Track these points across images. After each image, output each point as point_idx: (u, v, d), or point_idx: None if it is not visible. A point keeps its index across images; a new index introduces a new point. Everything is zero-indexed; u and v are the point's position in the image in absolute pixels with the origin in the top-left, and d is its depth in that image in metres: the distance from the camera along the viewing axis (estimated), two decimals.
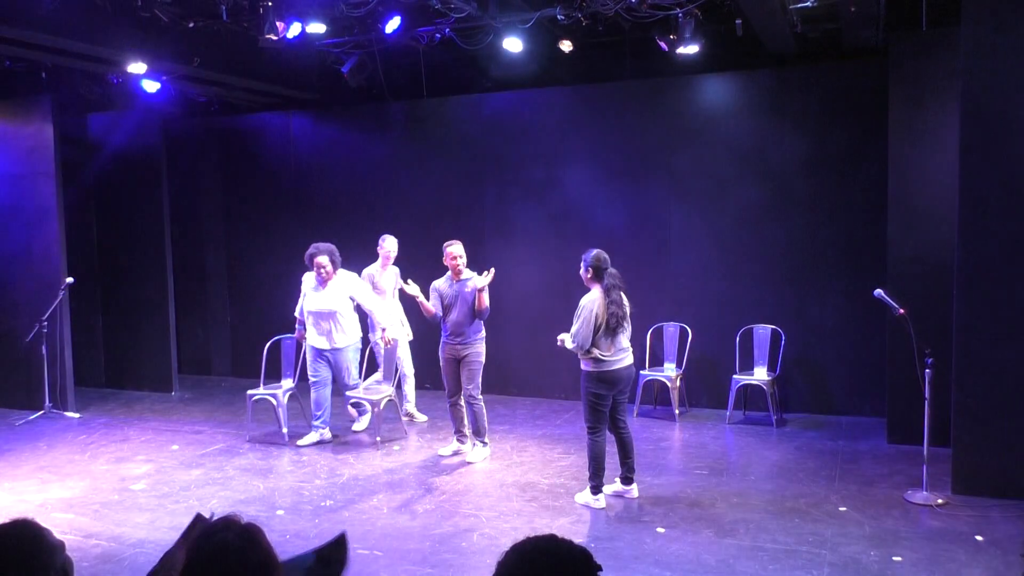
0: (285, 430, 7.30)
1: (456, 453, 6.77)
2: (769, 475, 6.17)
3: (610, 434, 5.65)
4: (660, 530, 5.11)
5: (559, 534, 1.69)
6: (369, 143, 9.43)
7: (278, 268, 9.87)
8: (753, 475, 6.18)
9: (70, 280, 8.56)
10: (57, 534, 1.99)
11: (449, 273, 6.60)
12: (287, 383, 7.51)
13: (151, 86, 8.24)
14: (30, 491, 6.09)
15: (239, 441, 7.33)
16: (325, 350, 7.11)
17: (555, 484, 6.04)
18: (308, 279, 7.18)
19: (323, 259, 6.94)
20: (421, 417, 7.91)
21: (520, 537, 1.71)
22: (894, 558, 4.63)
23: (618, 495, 5.71)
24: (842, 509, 5.40)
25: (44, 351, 8.32)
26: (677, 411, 7.80)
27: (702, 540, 4.94)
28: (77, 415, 8.42)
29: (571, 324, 5.54)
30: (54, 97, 8.51)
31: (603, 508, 5.49)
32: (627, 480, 5.73)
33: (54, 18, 6.45)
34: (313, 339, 7.13)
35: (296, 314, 7.39)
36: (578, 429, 7.53)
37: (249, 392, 7.43)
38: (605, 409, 5.51)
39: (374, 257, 7.76)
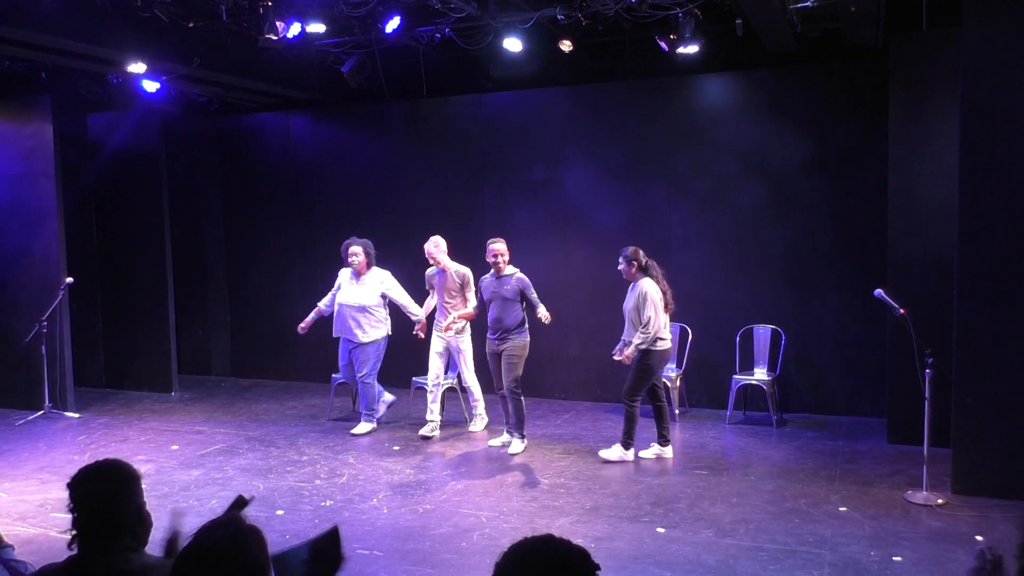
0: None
1: (506, 445, 6.97)
2: (769, 475, 6.16)
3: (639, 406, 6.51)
4: (660, 530, 5.10)
5: (558, 534, 1.69)
6: (369, 143, 9.43)
7: (278, 268, 9.89)
8: (753, 475, 6.18)
9: (70, 280, 8.56)
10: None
11: (492, 270, 6.88)
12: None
13: (151, 86, 8.23)
14: (30, 491, 6.09)
15: (239, 441, 7.34)
16: (352, 343, 7.45)
17: (555, 484, 6.04)
18: (344, 273, 7.56)
19: (356, 248, 7.40)
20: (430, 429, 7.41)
21: (520, 537, 1.71)
22: (894, 558, 4.63)
23: (659, 456, 6.55)
24: (842, 509, 5.40)
25: (44, 351, 8.31)
26: (677, 411, 7.79)
27: (702, 540, 4.94)
28: (77, 415, 8.42)
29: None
30: (54, 97, 8.51)
31: (632, 460, 6.47)
32: (665, 441, 6.58)
33: (54, 18, 6.45)
34: (342, 331, 7.50)
35: (321, 304, 7.67)
36: (578, 429, 7.54)
37: (333, 376, 8.04)
38: (650, 382, 6.44)
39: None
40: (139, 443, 7.36)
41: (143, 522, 2.21)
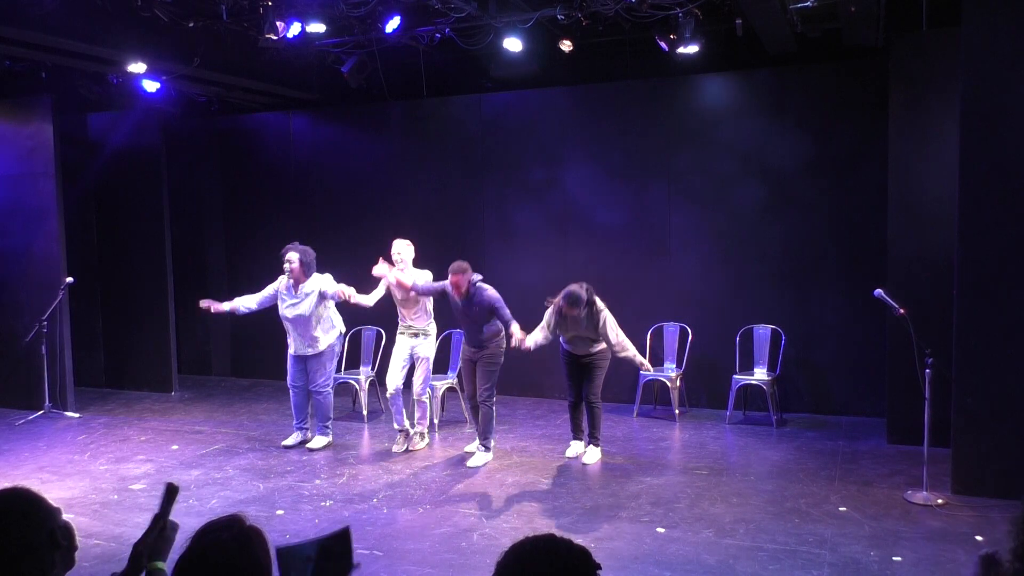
0: (365, 412, 8.02)
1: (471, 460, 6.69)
2: (769, 475, 6.16)
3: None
4: (660, 530, 5.10)
5: (559, 534, 1.69)
6: (369, 143, 9.43)
7: (278, 268, 9.85)
8: (753, 475, 6.18)
9: (70, 280, 8.56)
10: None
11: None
12: (366, 370, 8.27)
13: (151, 86, 8.23)
14: None
15: (239, 441, 7.33)
16: (307, 356, 6.99)
17: (555, 484, 6.04)
18: (282, 281, 6.97)
19: (292, 255, 6.79)
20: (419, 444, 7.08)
21: (520, 537, 1.71)
22: (894, 558, 4.63)
23: (576, 457, 6.67)
24: (842, 509, 5.40)
25: (44, 351, 8.31)
26: (677, 411, 7.80)
27: (702, 540, 4.94)
28: (77, 415, 8.42)
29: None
30: (54, 97, 8.50)
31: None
32: (596, 441, 6.70)
33: (54, 18, 6.45)
34: (296, 347, 7.00)
35: (241, 303, 7.00)
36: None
37: (335, 375, 7.68)
38: None
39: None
40: (139, 443, 7.36)
41: (57, 549, 1.96)
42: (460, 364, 6.85)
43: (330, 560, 1.92)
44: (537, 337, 6.37)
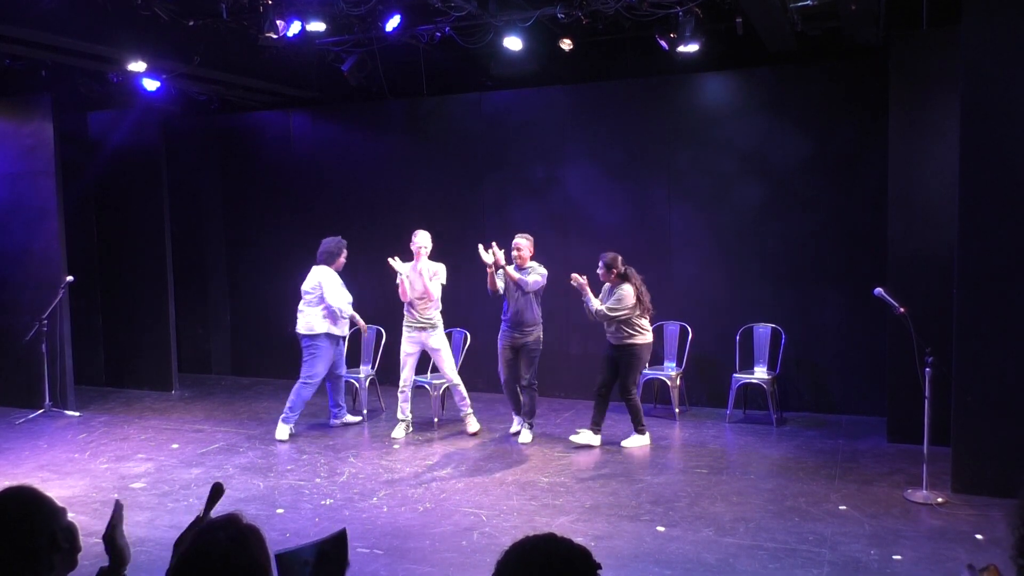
0: (365, 411, 8.04)
1: (516, 433, 7.21)
2: (769, 474, 6.17)
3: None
4: (660, 528, 5.11)
5: (559, 532, 1.69)
6: (369, 142, 9.43)
7: (278, 267, 9.88)
8: (753, 474, 6.18)
9: (70, 278, 8.56)
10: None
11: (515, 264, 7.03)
12: (366, 369, 8.30)
13: (151, 84, 8.23)
14: None
15: (239, 439, 7.34)
16: (341, 338, 7.59)
17: (555, 482, 6.05)
18: (334, 273, 7.44)
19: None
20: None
21: (520, 536, 1.71)
22: (894, 557, 4.63)
23: (588, 444, 6.90)
24: (842, 508, 5.40)
25: (44, 349, 8.31)
26: (677, 410, 7.80)
27: (702, 539, 4.94)
28: (77, 414, 8.42)
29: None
30: (54, 96, 8.51)
31: (649, 444, 6.97)
32: (599, 430, 6.97)
33: (54, 16, 6.45)
34: (344, 328, 7.52)
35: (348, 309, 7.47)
36: (578, 427, 7.51)
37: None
38: (640, 372, 7.06)
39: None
40: (139, 441, 7.37)
41: (58, 551, 1.95)
42: (500, 352, 7.08)
43: (327, 563, 1.93)
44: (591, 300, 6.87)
